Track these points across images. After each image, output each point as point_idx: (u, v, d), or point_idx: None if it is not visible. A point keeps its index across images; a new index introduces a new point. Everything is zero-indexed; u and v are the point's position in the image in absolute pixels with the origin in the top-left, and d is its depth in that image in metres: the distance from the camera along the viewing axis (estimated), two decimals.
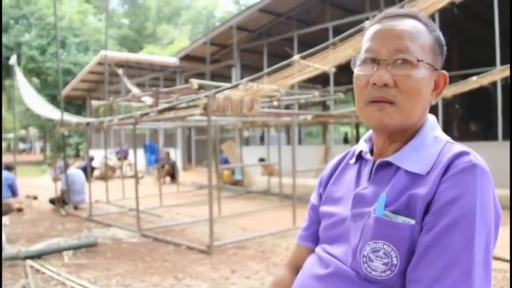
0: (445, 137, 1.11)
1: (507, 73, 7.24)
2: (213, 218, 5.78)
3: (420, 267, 0.96)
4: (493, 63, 9.77)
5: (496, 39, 10.25)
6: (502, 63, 9.31)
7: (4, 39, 26.70)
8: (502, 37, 10.32)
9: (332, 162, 1.35)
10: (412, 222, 0.99)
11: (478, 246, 0.94)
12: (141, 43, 38.83)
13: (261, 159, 12.54)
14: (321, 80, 16.39)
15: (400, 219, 1.01)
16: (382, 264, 1.00)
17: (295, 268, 1.30)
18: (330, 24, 12.99)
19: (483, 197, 0.96)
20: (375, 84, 1.05)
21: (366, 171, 1.16)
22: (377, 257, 1.01)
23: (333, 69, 5.82)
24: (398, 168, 1.08)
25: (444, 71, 1.12)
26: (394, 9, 1.13)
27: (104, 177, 11.52)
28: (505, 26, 10.41)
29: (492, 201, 0.99)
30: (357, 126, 18.00)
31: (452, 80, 9.24)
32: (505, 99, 10.41)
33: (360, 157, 1.22)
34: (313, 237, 1.30)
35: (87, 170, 9.31)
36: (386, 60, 1.05)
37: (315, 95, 9.00)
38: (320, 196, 1.31)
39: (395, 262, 0.99)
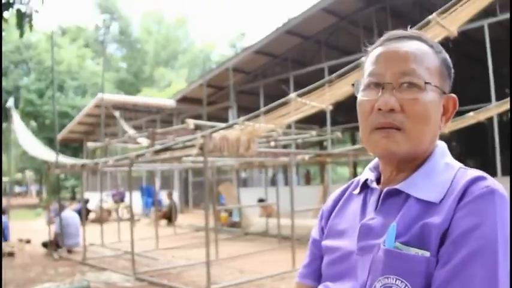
0: (458, 164, 1.03)
1: (503, 108, 7.24)
2: (210, 260, 5.64)
3: None
4: (488, 100, 9.81)
5: (490, 77, 10.37)
6: (498, 99, 9.35)
7: (3, 83, 26.91)
8: (496, 75, 10.45)
9: (334, 194, 1.25)
10: (427, 254, 0.89)
11: (502, 280, 0.84)
12: (139, 86, 39.14)
13: (260, 200, 12.41)
14: (317, 120, 16.41)
15: (413, 251, 0.90)
16: None
17: None
18: (326, 65, 13.11)
19: (504, 225, 0.87)
20: (380, 109, 0.97)
21: (372, 200, 1.06)
22: None
23: (330, 107, 5.78)
24: (408, 196, 0.98)
25: (453, 95, 1.05)
26: (397, 31, 1.06)
27: (99, 220, 11.35)
28: (497, 64, 10.54)
29: None
30: (355, 165, 17.96)
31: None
32: (502, 134, 10.43)
33: (365, 186, 1.12)
34: (316, 275, 1.17)
35: (82, 213, 9.17)
36: (392, 84, 0.98)
37: (312, 134, 8.96)
38: (322, 230, 1.20)
39: None
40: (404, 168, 1.03)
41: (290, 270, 6.38)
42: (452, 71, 1.06)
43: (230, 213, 12.71)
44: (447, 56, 1.05)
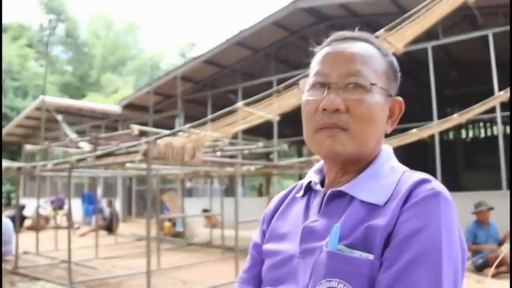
0: (403, 167, 1.01)
1: (444, 126, 7.49)
2: (152, 270, 5.51)
3: None
4: (430, 119, 10.11)
5: (433, 97, 10.72)
6: (439, 117, 9.69)
7: None
8: (438, 95, 10.82)
9: (277, 197, 1.22)
10: (371, 257, 0.87)
11: (446, 284, 0.82)
12: (84, 91, 38.19)
13: (205, 210, 12.29)
14: (264, 133, 16.51)
15: (357, 253, 0.88)
16: None
17: None
18: (275, 78, 13.20)
19: (448, 228, 0.86)
20: (325, 109, 0.96)
21: (315, 203, 1.03)
22: None
23: (277, 118, 5.80)
24: (352, 198, 0.96)
25: (399, 98, 1.04)
26: (345, 32, 1.05)
27: (36, 228, 10.91)
28: (439, 85, 10.94)
29: (457, 233, 0.89)
30: (300, 178, 18.10)
31: (393, 133, 9.54)
32: (443, 153, 10.77)
33: (308, 189, 1.09)
34: (256, 280, 1.13)
35: (16, 219, 8.76)
36: (337, 84, 0.96)
37: (259, 145, 8.97)
38: (263, 233, 1.16)
39: None
40: (349, 169, 1.01)
41: (233, 280, 6.31)
42: (399, 74, 1.06)
43: (174, 223, 12.53)
44: (394, 59, 1.05)
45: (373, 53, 1.01)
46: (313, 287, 0.90)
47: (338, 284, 0.87)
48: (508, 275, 6.41)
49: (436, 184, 0.90)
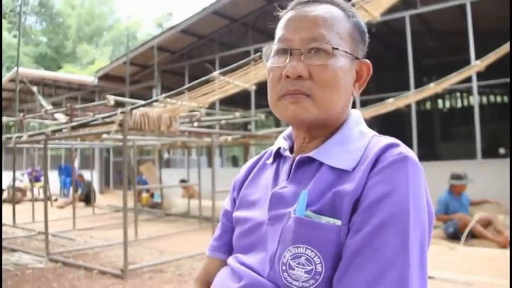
0: (372, 132, 1.01)
1: (421, 96, 7.54)
2: (129, 241, 5.51)
3: (348, 274, 0.83)
4: (407, 88, 10.16)
5: (410, 66, 10.75)
6: (416, 87, 9.74)
7: None
8: (415, 64, 10.87)
9: (247, 164, 1.21)
10: (338, 222, 0.87)
11: (412, 247, 0.82)
12: (60, 62, 37.48)
13: (182, 181, 12.28)
14: (242, 104, 16.48)
15: (325, 219, 0.88)
16: (305, 272, 0.86)
17: (207, 283, 1.13)
18: (252, 48, 13.08)
19: (416, 192, 0.86)
20: (288, 76, 0.94)
21: (284, 169, 1.03)
22: (298, 264, 0.87)
23: (254, 87, 5.75)
24: (321, 164, 0.96)
25: (367, 60, 1.02)
26: None
27: (12, 200, 10.80)
28: (417, 55, 10.97)
29: (425, 198, 0.89)
30: None
31: (370, 103, 9.55)
32: (420, 123, 10.88)
33: (278, 155, 1.09)
34: (227, 248, 1.13)
35: None
36: (299, 50, 0.94)
37: (236, 116, 8.93)
38: (234, 201, 1.16)
39: (320, 269, 0.86)
40: (317, 134, 1.00)
41: None
42: (367, 36, 1.04)
43: (152, 194, 12.51)
44: (360, 20, 1.02)
45: (337, 15, 0.98)
46: (281, 253, 0.90)
47: (305, 249, 0.87)
48: (477, 238, 6.61)
49: (404, 148, 0.90)
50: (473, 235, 6.63)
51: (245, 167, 1.20)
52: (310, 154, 0.97)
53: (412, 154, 0.89)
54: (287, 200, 0.95)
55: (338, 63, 0.94)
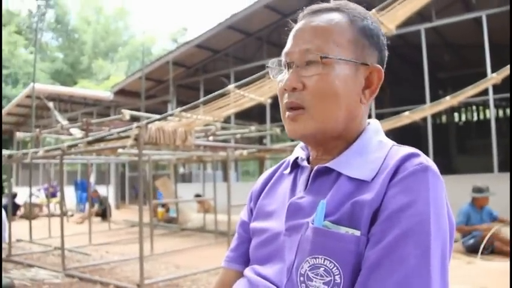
0: (391, 142, 0.99)
1: (437, 109, 7.47)
2: (145, 256, 5.50)
3: (369, 286, 0.80)
4: (423, 101, 10.10)
5: (426, 80, 10.70)
6: (432, 100, 9.69)
7: None
8: (431, 77, 10.81)
9: (264, 175, 1.20)
10: (357, 233, 0.85)
11: (434, 259, 0.80)
12: (76, 78, 37.88)
13: (197, 195, 12.28)
14: (257, 117, 16.49)
15: (343, 229, 0.86)
16: (323, 283, 0.85)
17: None
18: (267, 61, 13.05)
19: (437, 203, 0.84)
20: (285, 89, 0.96)
21: (302, 179, 1.01)
22: (316, 275, 0.86)
23: (269, 101, 5.75)
24: (339, 174, 0.94)
25: (377, 66, 0.99)
26: (317, 5, 1.02)
27: (29, 216, 10.86)
28: (432, 68, 10.91)
29: (446, 209, 0.86)
30: None
31: (385, 116, 9.50)
32: (436, 136, 10.79)
33: (295, 165, 1.07)
34: (243, 259, 1.11)
35: (8, 208, 8.69)
36: (295, 62, 0.95)
37: (251, 129, 8.93)
38: (251, 211, 1.15)
39: (339, 281, 0.84)
40: (331, 146, 0.98)
41: None
42: (380, 39, 1.01)
43: (167, 209, 12.51)
44: (370, 24, 0.99)
45: (339, 22, 0.97)
46: (299, 264, 0.89)
47: (324, 260, 0.85)
48: (497, 254, 6.48)
49: (424, 158, 0.88)
50: (492, 250, 6.52)
51: (262, 178, 1.19)
52: (328, 164, 0.96)
53: (433, 164, 0.88)
54: (305, 210, 0.94)
55: (334, 72, 0.93)
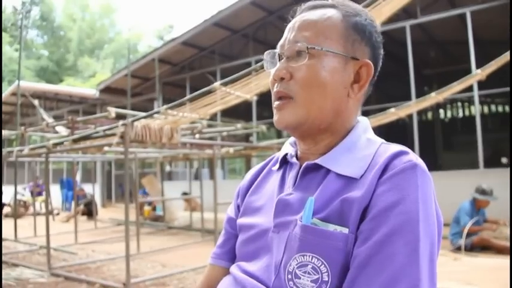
0: (380, 139, 0.99)
1: (422, 105, 7.51)
2: (132, 254, 5.47)
3: (357, 284, 0.80)
4: (408, 98, 10.16)
5: (411, 76, 10.76)
6: (417, 97, 9.73)
7: None
8: (416, 73, 10.88)
9: (252, 171, 1.19)
10: (345, 230, 0.85)
11: (422, 257, 0.80)
12: (61, 75, 37.59)
13: (184, 193, 12.26)
14: (243, 115, 16.46)
15: (332, 227, 0.86)
16: (311, 281, 0.85)
17: None
18: (253, 59, 13.09)
19: (425, 201, 0.84)
20: (275, 79, 0.97)
21: (291, 175, 1.01)
22: (304, 272, 0.85)
23: (255, 98, 5.75)
24: (328, 171, 0.94)
25: (367, 61, 0.99)
26: (311, 2, 1.03)
27: (14, 214, 10.77)
28: (417, 65, 10.97)
29: (434, 206, 0.87)
30: None
31: (371, 113, 9.56)
32: (422, 132, 10.86)
33: (284, 162, 1.07)
34: (230, 255, 1.11)
35: None
36: (283, 54, 0.97)
37: (238, 127, 8.91)
38: (238, 208, 1.14)
39: (326, 278, 0.84)
40: (318, 139, 0.99)
41: None
42: (373, 36, 1.01)
43: (154, 207, 12.47)
44: (362, 20, 1.00)
45: (331, 17, 0.98)
46: (287, 261, 0.88)
47: (312, 258, 0.85)
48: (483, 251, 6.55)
49: (414, 156, 0.89)
50: (483, 247, 6.57)
51: (250, 174, 1.18)
52: (317, 161, 0.96)
53: (421, 162, 0.88)
54: (293, 207, 0.94)
55: (321, 63, 0.94)
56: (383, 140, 0.99)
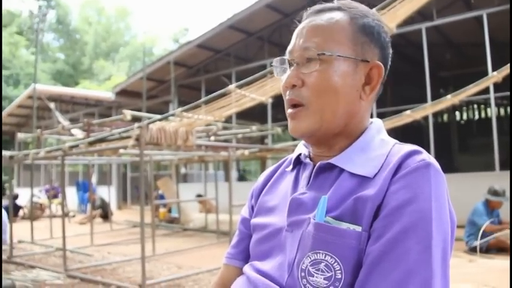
0: (393, 140, 0.99)
1: (438, 107, 7.45)
2: (147, 256, 5.49)
3: (371, 281, 0.81)
4: (424, 100, 10.09)
5: (427, 78, 10.69)
6: (433, 99, 9.66)
7: None
8: (432, 76, 10.80)
9: (266, 172, 1.20)
10: (359, 228, 0.85)
11: (435, 254, 0.81)
12: (77, 78, 37.90)
13: (199, 195, 12.28)
14: (258, 117, 16.47)
15: (345, 225, 0.86)
16: (324, 279, 0.85)
17: None
18: (268, 61, 13.11)
19: (438, 200, 0.84)
20: (286, 87, 0.98)
21: (304, 175, 1.02)
22: (318, 270, 0.86)
23: (270, 100, 5.75)
24: (341, 171, 0.94)
25: (378, 62, 0.99)
26: (319, 5, 1.03)
27: (30, 217, 10.86)
28: (433, 67, 10.89)
29: (447, 206, 0.87)
30: None
31: (387, 115, 9.50)
32: (437, 135, 10.78)
33: (298, 162, 1.08)
34: (244, 255, 1.12)
35: (9, 209, 8.68)
36: (294, 60, 0.97)
37: (253, 129, 8.92)
38: (252, 208, 1.15)
39: (340, 276, 0.84)
40: (332, 143, 0.99)
41: None
42: (382, 37, 1.01)
43: (169, 209, 12.51)
44: (370, 21, 0.99)
45: (339, 20, 0.98)
46: (301, 259, 0.89)
47: (325, 256, 0.86)
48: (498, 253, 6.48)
49: (427, 156, 0.89)
50: (500, 248, 6.51)
51: (264, 175, 1.20)
52: (331, 161, 0.96)
53: (435, 161, 0.89)
54: (307, 205, 0.95)
55: (332, 68, 0.94)
56: (396, 141, 0.99)
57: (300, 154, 1.07)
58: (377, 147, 0.96)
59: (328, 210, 0.89)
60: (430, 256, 0.80)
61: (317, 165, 0.98)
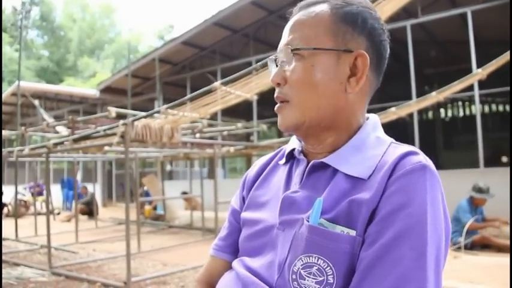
0: (389, 139, 0.97)
1: (423, 105, 7.50)
2: (132, 253, 5.47)
3: (363, 287, 0.79)
4: (409, 97, 10.16)
5: (411, 75, 10.76)
6: (418, 96, 9.74)
7: None
8: (417, 73, 10.88)
9: (260, 161, 1.17)
10: (353, 233, 0.83)
11: (429, 262, 0.79)
12: (61, 75, 37.62)
13: (184, 193, 12.25)
14: (244, 114, 16.46)
15: (339, 229, 0.84)
16: (316, 283, 0.83)
17: (210, 285, 1.09)
18: (253, 58, 13.09)
19: (434, 204, 0.82)
20: (274, 86, 0.99)
21: (297, 172, 0.99)
22: (309, 274, 0.84)
23: (255, 97, 5.75)
24: (336, 171, 0.92)
25: (361, 51, 0.93)
26: (307, 0, 1.01)
27: (15, 214, 10.76)
28: (418, 64, 10.97)
29: (442, 209, 0.85)
30: None
31: (372, 112, 9.60)
32: (422, 131, 10.86)
33: (291, 156, 1.05)
34: (233, 248, 1.09)
35: None
36: (279, 58, 0.98)
37: (238, 126, 8.91)
38: (243, 200, 1.12)
39: (331, 281, 0.83)
40: (321, 138, 0.97)
41: None
42: (368, 24, 0.95)
43: (154, 207, 12.47)
44: (351, 10, 0.95)
45: (318, 14, 0.95)
46: (292, 261, 0.87)
47: (318, 259, 0.84)
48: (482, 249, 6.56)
49: (423, 157, 0.87)
50: (484, 245, 6.59)
51: (258, 164, 1.16)
52: (325, 160, 0.94)
53: (431, 163, 0.86)
54: (299, 205, 0.92)
55: (309, 63, 0.92)
56: (393, 140, 0.97)
57: (294, 149, 1.04)
58: (372, 146, 0.94)
59: (323, 211, 0.87)
60: (424, 263, 0.78)
61: (310, 163, 0.96)
